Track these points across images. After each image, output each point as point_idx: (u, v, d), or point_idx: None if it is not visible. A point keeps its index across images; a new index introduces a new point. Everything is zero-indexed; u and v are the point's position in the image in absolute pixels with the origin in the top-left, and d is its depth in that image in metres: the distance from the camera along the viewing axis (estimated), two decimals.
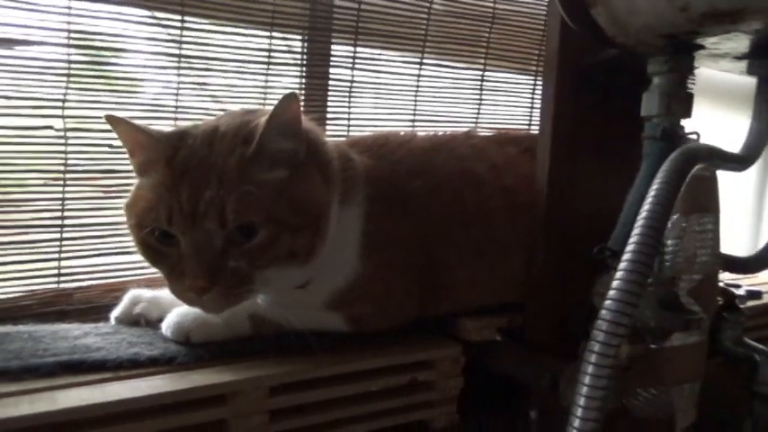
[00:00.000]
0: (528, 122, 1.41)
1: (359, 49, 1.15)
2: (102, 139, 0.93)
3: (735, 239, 1.63)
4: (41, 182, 0.91)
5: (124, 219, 0.73)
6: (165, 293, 0.78)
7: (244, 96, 1.06)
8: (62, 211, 0.91)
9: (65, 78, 0.89)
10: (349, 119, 1.17)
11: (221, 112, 0.85)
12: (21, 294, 0.89)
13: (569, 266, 0.86)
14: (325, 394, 0.73)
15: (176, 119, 0.99)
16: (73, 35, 0.89)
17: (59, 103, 0.89)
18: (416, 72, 1.24)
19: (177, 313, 0.75)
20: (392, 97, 1.22)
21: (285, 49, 1.10)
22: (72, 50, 0.89)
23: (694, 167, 0.64)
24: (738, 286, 1.13)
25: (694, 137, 0.76)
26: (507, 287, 0.89)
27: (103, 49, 0.94)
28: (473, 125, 1.33)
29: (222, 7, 1.00)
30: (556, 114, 0.86)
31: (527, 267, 0.88)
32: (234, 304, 0.70)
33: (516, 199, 0.90)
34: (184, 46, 0.98)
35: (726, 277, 1.08)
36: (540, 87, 0.91)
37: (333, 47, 1.14)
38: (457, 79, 1.30)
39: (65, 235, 0.92)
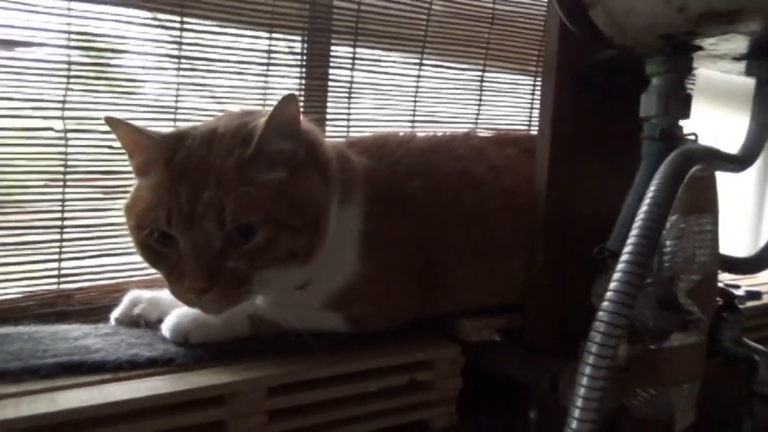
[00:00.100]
0: (528, 123, 1.41)
1: (358, 49, 1.16)
2: (102, 141, 0.93)
3: (734, 240, 1.63)
4: (42, 183, 0.91)
5: (124, 220, 0.73)
6: (164, 294, 0.78)
7: (243, 97, 1.06)
8: (62, 212, 0.92)
9: (65, 80, 0.89)
10: (348, 119, 1.17)
11: (221, 113, 0.85)
12: (21, 295, 0.90)
13: (569, 267, 0.86)
14: (325, 395, 0.73)
15: (176, 120, 0.99)
16: (73, 37, 0.89)
17: (59, 105, 0.89)
18: (416, 73, 1.24)
19: (176, 314, 0.75)
20: (392, 98, 1.22)
21: (285, 49, 1.10)
22: (72, 52, 0.89)
23: (692, 168, 0.64)
24: (738, 287, 1.13)
25: (693, 137, 0.76)
26: (506, 288, 0.89)
27: (103, 51, 0.94)
28: (473, 126, 1.33)
29: (222, 8, 1.00)
30: (555, 115, 0.86)
31: (526, 268, 0.88)
32: (233, 305, 0.70)
33: (515, 200, 0.90)
34: (184, 47, 0.98)
35: (725, 278, 1.08)
36: (540, 88, 0.91)
37: (332, 48, 1.14)
38: (456, 80, 1.31)
39: (65, 236, 0.92)
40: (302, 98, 1.12)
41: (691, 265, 0.76)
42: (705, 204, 0.78)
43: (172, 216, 0.66)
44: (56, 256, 0.92)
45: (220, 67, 1.02)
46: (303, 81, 1.12)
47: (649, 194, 0.60)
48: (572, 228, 0.86)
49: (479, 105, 1.34)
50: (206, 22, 1.01)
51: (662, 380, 0.76)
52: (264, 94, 1.07)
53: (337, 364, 0.75)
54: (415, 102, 1.24)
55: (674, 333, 0.72)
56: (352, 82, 1.16)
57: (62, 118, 0.90)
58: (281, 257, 0.70)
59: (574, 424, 0.54)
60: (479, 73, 1.32)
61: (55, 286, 0.92)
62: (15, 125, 0.88)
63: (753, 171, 0.94)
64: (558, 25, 0.82)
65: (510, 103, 1.39)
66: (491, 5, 1.30)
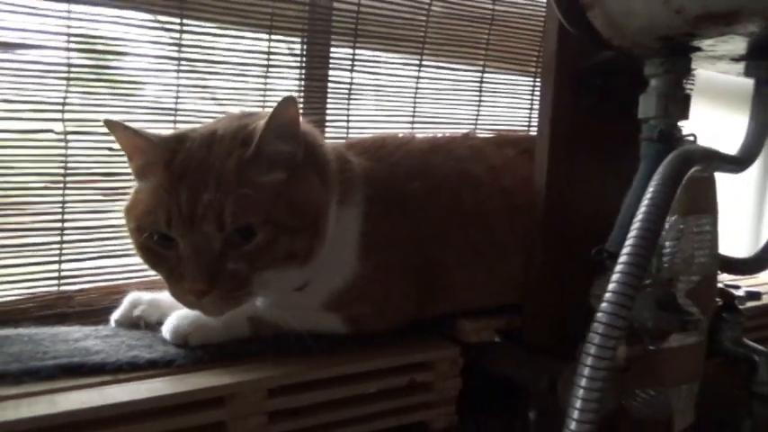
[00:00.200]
0: (527, 123, 1.41)
1: (358, 51, 1.16)
2: (102, 142, 0.93)
3: (734, 240, 1.63)
4: (42, 185, 0.91)
5: (124, 222, 0.73)
6: (164, 296, 0.79)
7: (243, 98, 1.06)
8: (62, 214, 0.92)
9: (65, 82, 0.89)
10: (348, 121, 1.17)
11: (221, 115, 0.85)
12: (21, 297, 0.90)
13: (567, 268, 0.86)
14: (324, 396, 0.73)
15: (176, 121, 0.99)
16: (72, 39, 0.89)
17: (59, 107, 0.89)
18: (416, 74, 1.24)
19: (176, 316, 0.76)
20: (391, 99, 1.22)
21: (284, 51, 1.10)
22: (72, 54, 0.90)
23: (691, 169, 0.64)
24: (738, 287, 1.13)
25: (691, 138, 0.76)
26: (505, 288, 0.89)
27: (103, 53, 0.94)
28: (472, 127, 1.33)
29: (221, 10, 1.00)
30: (554, 116, 0.86)
31: (525, 269, 0.89)
32: (233, 307, 0.70)
33: (514, 200, 0.90)
34: (184, 49, 0.98)
35: (725, 278, 1.08)
36: (539, 89, 0.91)
37: (332, 49, 1.14)
38: (456, 81, 1.31)
39: (65, 238, 0.92)
40: (302, 99, 1.12)
41: (690, 266, 0.76)
42: (704, 205, 0.78)
43: (171, 218, 0.66)
44: (56, 258, 0.92)
45: (220, 69, 1.03)
46: (303, 82, 1.12)
47: (648, 195, 0.60)
48: (570, 229, 0.86)
49: (479, 106, 1.34)
50: (206, 24, 1.01)
51: (661, 381, 0.76)
52: (264, 95, 1.07)
53: (337, 365, 0.75)
54: (414, 103, 1.25)
55: (672, 334, 0.72)
56: (351, 83, 1.16)
57: (62, 120, 0.90)
58: (280, 259, 0.70)
59: (572, 425, 0.54)
60: (479, 74, 1.32)
61: (55, 288, 0.92)
62: (15, 127, 0.88)
63: (752, 171, 0.94)
64: (556, 27, 0.82)
65: (509, 104, 1.39)
66: (490, 6, 1.30)
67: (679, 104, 0.74)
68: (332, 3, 1.11)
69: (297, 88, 1.11)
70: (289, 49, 1.11)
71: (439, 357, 0.82)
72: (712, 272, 0.80)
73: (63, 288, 0.93)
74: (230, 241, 0.67)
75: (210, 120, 0.89)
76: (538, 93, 1.31)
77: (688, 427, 0.79)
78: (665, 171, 0.61)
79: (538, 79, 1.37)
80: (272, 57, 1.07)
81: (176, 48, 0.98)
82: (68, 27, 0.89)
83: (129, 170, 0.74)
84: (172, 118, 0.99)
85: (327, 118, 1.15)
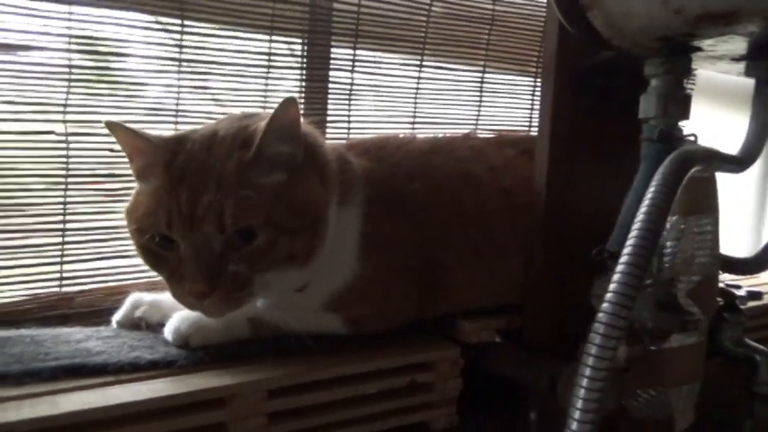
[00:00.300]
0: (528, 124, 1.41)
1: (359, 51, 1.16)
2: (103, 144, 0.93)
3: (736, 240, 1.63)
4: (43, 186, 0.91)
5: (125, 223, 0.74)
6: (166, 297, 0.79)
7: (244, 99, 1.06)
8: (64, 215, 0.92)
9: (66, 83, 0.89)
10: (349, 121, 1.17)
11: (222, 115, 0.86)
12: (23, 298, 0.90)
13: (568, 268, 0.86)
14: (324, 397, 0.73)
15: (177, 122, 1.00)
16: (74, 40, 0.90)
17: (61, 108, 0.89)
18: (416, 74, 1.24)
19: (177, 317, 0.76)
20: (392, 100, 1.22)
21: (285, 52, 1.10)
22: (73, 55, 0.90)
23: (692, 169, 0.64)
24: (739, 287, 1.13)
25: (692, 138, 0.76)
26: (505, 288, 0.89)
27: (104, 54, 0.95)
28: (473, 127, 1.33)
29: (222, 11, 1.00)
30: (554, 116, 0.86)
31: (525, 269, 0.89)
32: (235, 308, 0.71)
33: (514, 200, 0.90)
34: (185, 50, 0.99)
35: (727, 278, 1.08)
36: (540, 89, 0.91)
37: (332, 50, 1.14)
38: (457, 81, 1.31)
39: (67, 239, 0.92)
40: (303, 100, 1.12)
41: (690, 266, 0.76)
42: (705, 205, 0.78)
43: (172, 219, 0.67)
44: (57, 259, 0.92)
45: (221, 70, 1.03)
46: (303, 83, 1.12)
47: (648, 196, 0.60)
48: (570, 229, 0.86)
49: (480, 106, 1.34)
50: (207, 25, 1.01)
51: (661, 381, 0.76)
52: (265, 96, 1.07)
53: (337, 365, 0.75)
54: (415, 103, 1.25)
55: (673, 334, 0.73)
56: (352, 84, 1.16)
57: (64, 121, 0.90)
58: (280, 260, 0.70)
59: (573, 425, 0.54)
60: (479, 74, 1.32)
61: (56, 289, 0.93)
62: (17, 128, 0.89)
63: (753, 171, 0.93)
64: (556, 27, 0.82)
65: (510, 104, 1.39)
66: (491, 7, 1.30)
67: (679, 105, 0.74)
68: (332, 3, 1.11)
69: (297, 89, 1.11)
70: (289, 49, 1.11)
71: (439, 358, 0.82)
72: (713, 272, 0.80)
73: (64, 289, 0.93)
74: (231, 243, 0.67)
75: (211, 120, 0.89)
76: (538, 93, 1.31)
77: (688, 428, 0.79)
78: (666, 171, 0.61)
79: (538, 79, 1.37)
80: (272, 57, 1.07)
81: (177, 49, 0.98)
82: (70, 29, 0.89)
83: (131, 171, 0.74)
84: (173, 119, 0.99)
85: (328, 118, 1.15)
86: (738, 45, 0.70)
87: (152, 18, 0.97)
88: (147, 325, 0.81)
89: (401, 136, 0.97)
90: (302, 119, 0.74)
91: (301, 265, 0.72)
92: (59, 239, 0.92)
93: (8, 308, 0.88)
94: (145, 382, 0.67)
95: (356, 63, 1.16)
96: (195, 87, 1.01)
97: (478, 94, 1.33)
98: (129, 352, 0.72)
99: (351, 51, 1.15)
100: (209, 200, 0.66)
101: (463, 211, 0.88)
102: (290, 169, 0.72)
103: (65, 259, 0.93)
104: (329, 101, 1.15)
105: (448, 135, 1.03)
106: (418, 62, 1.23)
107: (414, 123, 1.25)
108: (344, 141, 1.11)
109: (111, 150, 0.93)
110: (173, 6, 0.96)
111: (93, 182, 0.95)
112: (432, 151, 0.93)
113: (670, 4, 0.63)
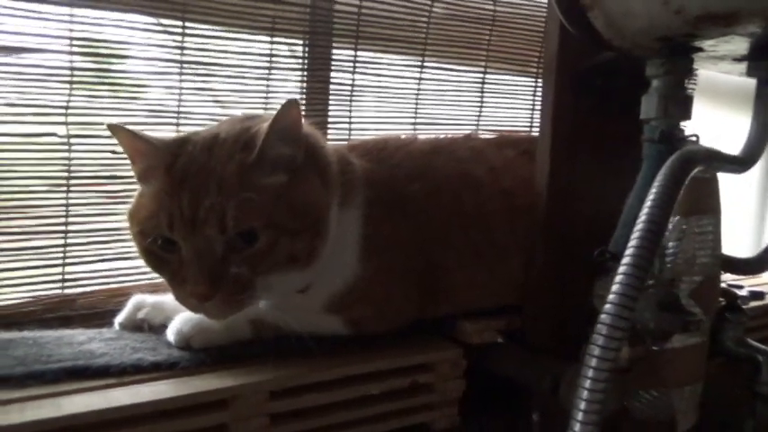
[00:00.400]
0: (529, 124, 1.41)
1: (360, 52, 1.16)
2: (105, 145, 0.93)
3: (738, 240, 1.63)
4: (45, 188, 0.91)
5: (127, 225, 0.74)
6: (168, 299, 0.79)
7: (245, 101, 1.06)
8: (66, 217, 0.92)
9: (68, 85, 0.89)
10: (350, 122, 1.17)
11: (224, 117, 0.86)
12: (25, 300, 0.90)
13: (569, 269, 0.86)
14: (326, 398, 0.73)
15: (179, 124, 1.00)
16: (75, 42, 0.90)
17: (63, 110, 0.90)
18: (417, 75, 1.24)
19: (179, 319, 0.76)
20: (393, 101, 1.22)
21: (286, 53, 1.10)
22: (75, 57, 0.90)
23: (693, 170, 0.64)
24: (741, 287, 1.13)
25: (694, 139, 0.76)
26: (505, 289, 0.89)
27: (106, 56, 0.95)
28: (475, 128, 1.33)
29: (223, 13, 1.00)
30: (555, 117, 0.86)
31: (525, 269, 0.89)
32: (237, 311, 0.71)
33: (514, 201, 0.90)
34: (186, 52, 0.99)
35: (729, 278, 1.08)
36: (541, 90, 0.91)
37: (334, 51, 1.14)
38: (458, 82, 1.31)
39: (69, 241, 0.93)
40: (304, 101, 1.12)
41: (692, 267, 0.76)
42: (707, 205, 0.78)
43: (174, 222, 0.67)
44: (60, 261, 0.92)
45: (222, 72, 1.03)
46: (305, 84, 1.12)
47: (650, 197, 0.60)
48: (572, 229, 0.86)
49: (481, 107, 1.34)
50: (208, 27, 1.01)
51: (663, 381, 0.76)
52: (266, 97, 1.08)
53: (338, 366, 0.75)
54: (416, 104, 1.25)
55: (675, 334, 0.72)
56: (353, 85, 1.16)
57: (65, 123, 0.90)
58: (282, 262, 0.70)
59: (576, 426, 0.54)
60: (480, 75, 1.32)
61: (59, 291, 0.93)
62: (19, 131, 0.89)
63: (755, 171, 0.93)
64: (557, 27, 0.82)
65: (511, 105, 1.39)
66: (491, 7, 1.30)
67: (680, 105, 0.74)
68: (333, 5, 1.11)
69: (299, 90, 1.11)
70: (290, 51, 1.11)
71: (440, 359, 0.82)
72: (715, 272, 0.80)
73: (67, 291, 0.93)
74: (232, 245, 0.67)
75: (213, 122, 0.89)
76: (539, 93, 1.31)
77: (691, 428, 0.79)
78: (668, 172, 0.61)
79: (539, 80, 1.37)
80: (273, 59, 1.07)
81: (179, 51, 0.98)
82: (71, 31, 0.89)
83: (132, 173, 0.75)
84: (175, 120, 0.99)
85: (329, 120, 1.15)
86: (740, 45, 0.70)
87: (153, 20, 0.97)
88: (149, 327, 0.81)
89: (402, 137, 0.97)
90: (303, 120, 0.74)
91: (303, 266, 0.73)
92: (62, 241, 0.92)
93: (11, 310, 0.89)
94: (147, 383, 0.67)
95: (357, 64, 1.16)
96: (197, 89, 1.01)
97: (479, 94, 1.33)
98: (131, 354, 0.72)
99: (352, 52, 1.15)
100: (210, 202, 0.66)
101: (463, 211, 0.88)
102: (290, 170, 0.72)
103: (67, 261, 0.93)
104: (330, 102, 1.15)
105: (449, 136, 1.03)
106: (419, 63, 1.23)
107: (415, 124, 1.25)
108: (346, 142, 1.11)
109: (113, 152, 0.93)
110: (174, 8, 0.96)
111: (95, 184, 0.95)
112: (432, 152, 0.93)
113: (670, 5, 0.63)
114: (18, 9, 0.85)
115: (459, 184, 0.89)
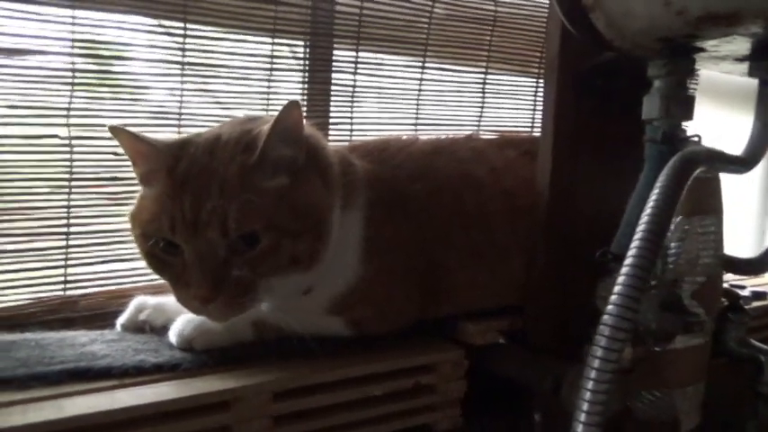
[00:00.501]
0: (531, 125, 1.41)
1: (361, 53, 1.16)
2: (107, 147, 0.93)
3: (740, 241, 1.63)
4: (47, 189, 0.91)
5: (129, 226, 0.74)
6: (170, 300, 0.79)
7: (247, 102, 1.06)
8: (68, 218, 0.92)
9: (69, 87, 0.89)
10: (351, 123, 1.17)
11: (226, 118, 0.86)
12: (27, 302, 0.90)
13: (570, 269, 0.86)
14: (328, 399, 0.73)
15: (180, 125, 1.00)
16: (77, 44, 0.90)
17: (64, 112, 0.90)
18: (419, 76, 1.24)
19: (181, 321, 0.76)
20: (394, 101, 1.22)
21: (288, 54, 1.10)
22: (76, 59, 0.90)
23: (696, 171, 0.64)
24: (743, 287, 1.13)
25: (696, 139, 0.76)
26: (506, 290, 0.89)
27: (107, 58, 0.95)
28: (476, 128, 1.33)
29: (225, 14, 1.00)
30: (557, 117, 0.86)
31: (526, 270, 0.89)
32: (239, 313, 0.71)
33: (515, 202, 0.90)
34: (187, 53, 0.99)
35: (731, 278, 1.08)
36: (543, 90, 0.91)
37: (335, 52, 1.14)
38: (459, 82, 1.31)
39: (71, 242, 0.93)
40: (305, 102, 1.12)
41: (694, 267, 0.76)
42: (709, 206, 0.78)
43: (176, 225, 0.67)
44: (61, 263, 0.92)
45: (224, 73, 1.03)
46: (306, 85, 1.12)
47: (653, 197, 0.60)
48: (573, 229, 0.86)
49: (482, 107, 1.34)
50: (209, 29, 1.01)
51: (666, 382, 0.76)
52: (268, 98, 1.08)
53: (340, 368, 0.75)
54: (417, 105, 1.25)
55: (677, 335, 0.72)
56: (354, 86, 1.16)
57: (67, 125, 0.90)
58: (284, 264, 0.70)
59: (579, 427, 0.54)
60: (482, 75, 1.32)
61: (61, 292, 0.93)
62: (21, 132, 0.89)
63: (757, 172, 0.93)
64: (558, 28, 0.82)
65: (513, 105, 1.39)
66: (493, 8, 1.30)
67: (682, 105, 0.74)
68: (334, 6, 1.11)
69: (300, 91, 1.12)
70: (292, 52, 1.11)
71: (441, 360, 0.82)
72: (717, 272, 0.80)
73: (69, 292, 0.93)
74: (234, 248, 0.67)
75: (215, 123, 0.89)
76: (541, 94, 1.31)
77: (693, 428, 0.79)
78: (670, 173, 0.61)
79: (541, 80, 1.37)
80: (275, 60, 1.07)
81: (180, 52, 0.98)
82: (73, 32, 0.89)
83: (134, 175, 0.75)
84: (176, 122, 0.99)
85: (331, 121, 1.15)
86: (742, 45, 0.69)
87: (155, 21, 0.97)
88: (151, 328, 0.81)
89: (403, 138, 0.97)
90: (305, 121, 0.74)
91: (305, 268, 0.72)
92: (63, 243, 0.92)
93: (12, 311, 0.89)
94: (149, 385, 0.67)
95: (358, 65, 1.16)
96: (198, 90, 1.01)
97: (481, 95, 1.33)
98: (133, 355, 0.72)
99: (353, 53, 1.15)
100: (212, 205, 0.66)
101: (465, 212, 0.88)
102: (292, 172, 0.72)
103: (69, 263, 0.93)
104: (331, 103, 1.15)
105: (450, 137, 1.03)
106: (420, 64, 1.23)
107: (416, 125, 1.25)
108: (347, 143, 1.11)
109: (115, 154, 0.93)
110: (175, 10, 0.96)
111: (97, 185, 0.95)
112: (434, 153, 0.93)
113: (672, 6, 0.63)
114: (19, 11, 0.85)
115: (460, 185, 0.89)
